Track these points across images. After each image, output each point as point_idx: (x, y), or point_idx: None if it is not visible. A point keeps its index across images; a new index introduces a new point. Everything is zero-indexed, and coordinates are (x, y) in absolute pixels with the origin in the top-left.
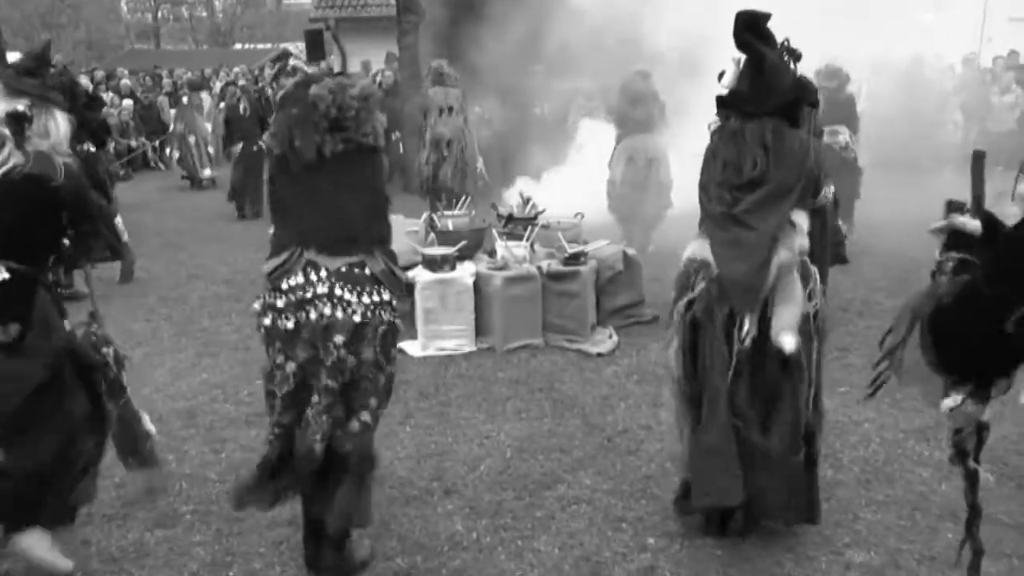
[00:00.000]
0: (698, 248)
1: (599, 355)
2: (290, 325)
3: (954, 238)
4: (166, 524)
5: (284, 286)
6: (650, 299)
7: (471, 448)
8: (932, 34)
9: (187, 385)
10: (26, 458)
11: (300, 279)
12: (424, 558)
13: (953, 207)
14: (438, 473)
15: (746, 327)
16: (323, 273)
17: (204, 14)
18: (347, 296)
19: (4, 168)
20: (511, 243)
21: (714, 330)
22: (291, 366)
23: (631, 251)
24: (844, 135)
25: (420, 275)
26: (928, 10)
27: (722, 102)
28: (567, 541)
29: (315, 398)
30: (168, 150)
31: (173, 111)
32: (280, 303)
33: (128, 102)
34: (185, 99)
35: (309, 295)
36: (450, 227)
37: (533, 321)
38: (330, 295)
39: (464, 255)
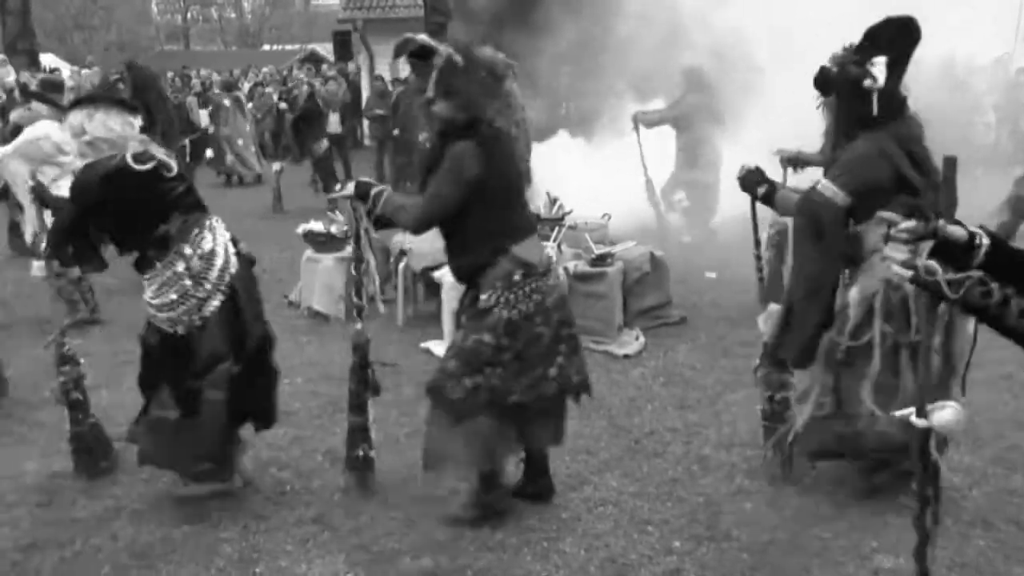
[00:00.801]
0: None
1: (626, 357)
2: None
3: (940, 245)
4: (194, 520)
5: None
6: (677, 300)
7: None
8: (965, 34)
9: None
10: None
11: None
12: (450, 558)
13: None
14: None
15: None
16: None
17: (233, 15)
18: None
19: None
20: None
21: None
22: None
23: (659, 252)
24: None
25: (447, 275)
26: (961, 9)
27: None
28: (593, 543)
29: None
30: (206, 149)
31: (203, 111)
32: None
33: None
34: (227, 101)
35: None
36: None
37: None
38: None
39: None
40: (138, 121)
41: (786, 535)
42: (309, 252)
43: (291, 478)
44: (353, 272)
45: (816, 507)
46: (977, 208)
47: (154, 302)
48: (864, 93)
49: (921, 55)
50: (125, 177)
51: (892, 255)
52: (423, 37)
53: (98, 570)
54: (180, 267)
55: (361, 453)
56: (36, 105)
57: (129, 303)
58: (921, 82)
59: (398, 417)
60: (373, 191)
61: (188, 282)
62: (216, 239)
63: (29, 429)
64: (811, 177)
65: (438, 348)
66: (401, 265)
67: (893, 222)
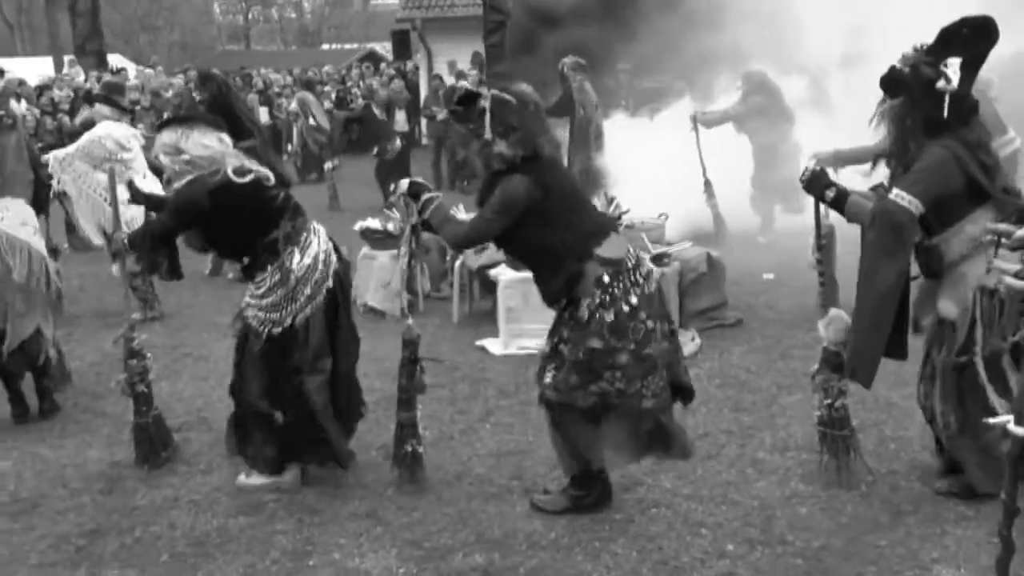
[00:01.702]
0: None
1: None
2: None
3: None
4: (249, 512)
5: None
6: (733, 301)
7: (551, 448)
8: None
9: None
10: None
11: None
12: (502, 556)
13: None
14: (518, 472)
15: None
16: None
17: (293, 15)
18: None
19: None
20: None
21: None
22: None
23: (715, 253)
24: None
25: (503, 273)
26: None
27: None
28: (645, 545)
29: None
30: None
31: (263, 109)
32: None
33: None
34: (311, 97)
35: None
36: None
37: None
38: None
39: None
40: (227, 137)
41: (841, 541)
42: (366, 249)
43: (346, 472)
44: (403, 268)
45: (873, 514)
46: None
47: (263, 302)
48: (937, 95)
49: (998, 53)
50: (229, 191)
51: (1003, 265)
52: (465, 84)
53: (157, 557)
54: (290, 269)
55: (409, 449)
56: (99, 107)
57: (189, 298)
58: (1000, 77)
59: (453, 414)
60: (425, 195)
61: (295, 283)
62: (320, 243)
63: (93, 418)
64: (867, 179)
65: (493, 346)
66: (457, 263)
67: (1004, 233)
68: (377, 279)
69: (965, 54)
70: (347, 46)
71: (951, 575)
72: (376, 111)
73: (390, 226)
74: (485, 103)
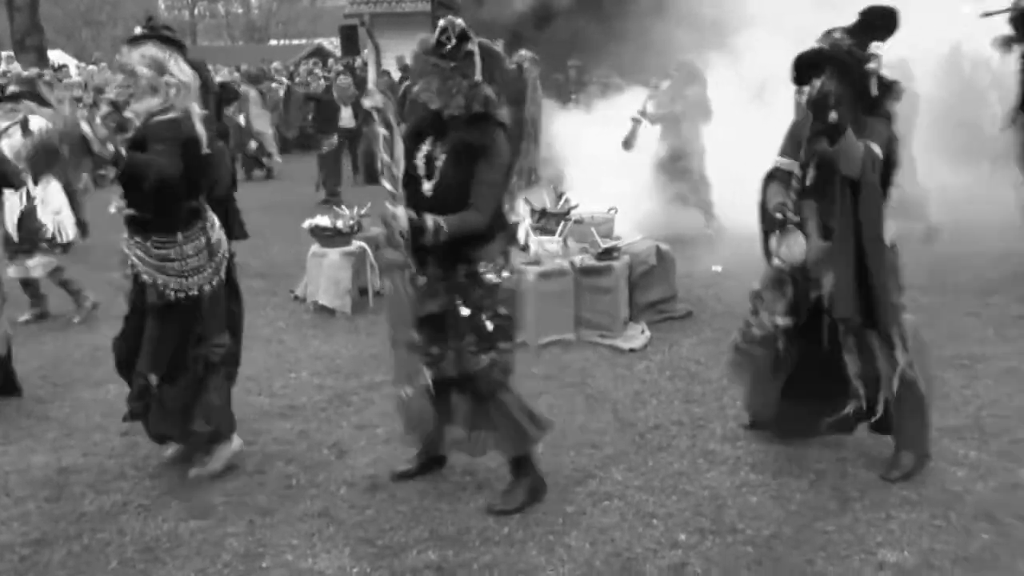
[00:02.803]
0: None
1: (631, 351)
2: None
3: None
4: (199, 515)
5: None
6: (683, 294)
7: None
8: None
9: None
10: None
11: None
12: (455, 552)
13: None
14: (470, 468)
15: None
16: None
17: (240, 10)
18: None
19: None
20: (544, 238)
21: None
22: None
23: (664, 246)
24: None
25: None
26: (967, 1)
27: None
28: (598, 537)
29: None
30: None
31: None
32: None
33: None
34: (253, 93)
35: None
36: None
37: (565, 316)
38: None
39: None
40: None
41: (791, 529)
42: (315, 247)
43: (297, 472)
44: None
45: (821, 501)
46: (985, 200)
47: (178, 267)
48: (868, 76)
49: (929, 48)
50: (198, 144)
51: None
52: (461, 22)
53: (106, 564)
54: (206, 238)
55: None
56: (26, 103)
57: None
58: (929, 75)
59: None
60: (430, 224)
61: (209, 252)
62: (218, 223)
63: (37, 423)
64: None
65: None
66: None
67: None
68: (327, 277)
69: (881, 38)
70: (295, 42)
71: (895, 557)
72: (335, 97)
73: (339, 223)
74: (473, 47)
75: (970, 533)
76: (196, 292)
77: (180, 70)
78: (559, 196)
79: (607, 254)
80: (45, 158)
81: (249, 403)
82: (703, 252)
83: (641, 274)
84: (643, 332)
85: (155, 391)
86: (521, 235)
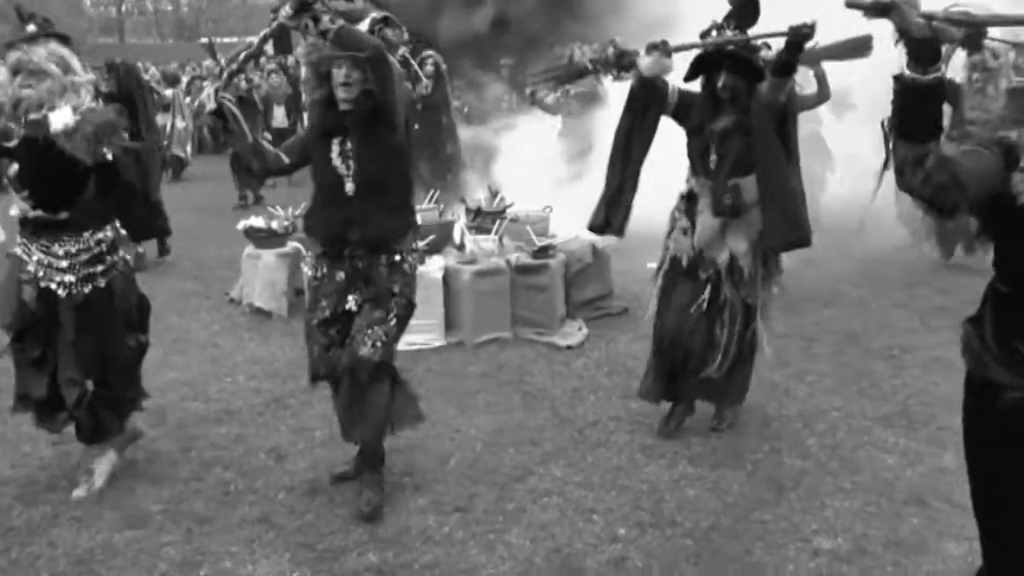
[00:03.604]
0: None
1: (568, 348)
2: None
3: None
4: (135, 524)
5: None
6: (618, 291)
7: (441, 442)
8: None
9: (155, 383)
10: None
11: None
12: (396, 553)
13: None
14: (408, 468)
15: None
16: None
17: (169, 7)
18: None
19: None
20: (479, 237)
21: None
22: None
23: (600, 244)
24: None
25: None
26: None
27: None
28: (538, 533)
29: None
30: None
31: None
32: None
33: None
34: (168, 93)
35: None
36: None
37: (502, 315)
38: None
39: (432, 249)
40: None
41: (728, 520)
42: (249, 248)
43: (234, 477)
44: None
45: (757, 491)
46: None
47: (86, 259)
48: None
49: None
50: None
51: None
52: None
53: None
54: (109, 232)
55: None
56: None
57: None
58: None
59: None
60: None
61: (112, 245)
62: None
63: None
64: None
65: None
66: None
67: None
68: (263, 278)
69: (751, 25)
70: (226, 40)
71: (830, 544)
72: (256, 99)
73: (274, 224)
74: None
75: (901, 518)
76: (104, 284)
77: (80, 67)
78: (494, 195)
79: (543, 252)
80: None
81: (184, 408)
82: (638, 250)
83: (577, 272)
84: (580, 329)
85: (91, 395)
86: (456, 234)
